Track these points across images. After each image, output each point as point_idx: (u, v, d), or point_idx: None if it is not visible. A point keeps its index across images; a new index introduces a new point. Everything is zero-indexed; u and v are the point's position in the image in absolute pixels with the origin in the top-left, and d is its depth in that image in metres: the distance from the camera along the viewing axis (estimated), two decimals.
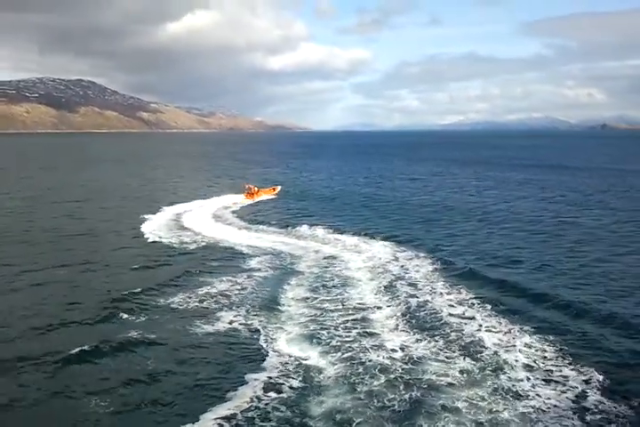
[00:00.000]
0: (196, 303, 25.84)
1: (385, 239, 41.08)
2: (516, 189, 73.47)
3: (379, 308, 25.77)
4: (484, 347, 21.33)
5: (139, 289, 27.54)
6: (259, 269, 31.97)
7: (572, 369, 19.39)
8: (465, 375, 19.10)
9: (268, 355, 19.93)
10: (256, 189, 65.95)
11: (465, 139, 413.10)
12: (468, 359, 20.29)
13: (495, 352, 20.85)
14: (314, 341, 21.42)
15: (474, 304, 26.24)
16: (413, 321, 24.08)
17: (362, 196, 67.21)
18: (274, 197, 66.88)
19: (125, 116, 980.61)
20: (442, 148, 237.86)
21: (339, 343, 21.26)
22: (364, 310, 25.45)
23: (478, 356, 20.57)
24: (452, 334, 22.64)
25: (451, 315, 24.87)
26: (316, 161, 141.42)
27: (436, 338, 22.24)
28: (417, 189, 74.94)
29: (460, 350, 21.17)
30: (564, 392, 17.98)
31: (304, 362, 19.41)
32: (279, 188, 71.08)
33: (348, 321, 23.82)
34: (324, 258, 35.54)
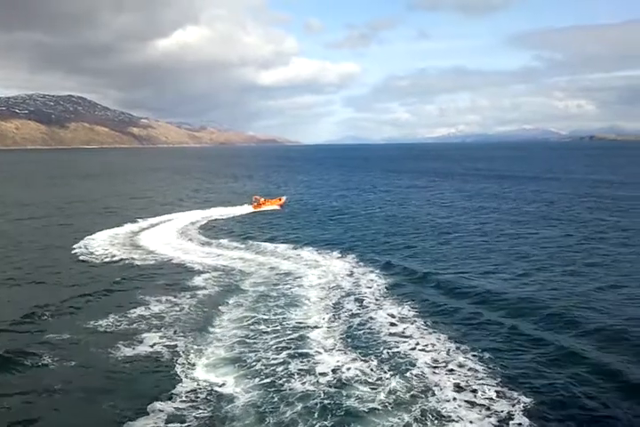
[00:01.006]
0: (126, 324, 24.77)
1: (345, 253, 40.32)
2: (485, 201, 72.82)
3: (319, 327, 24.75)
4: (417, 367, 20.44)
5: (70, 309, 26.56)
6: (203, 288, 30.89)
7: (501, 391, 18.46)
8: (391, 399, 18.18)
9: (181, 381, 18.82)
10: (263, 199, 68.82)
11: (452, 151, 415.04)
12: (398, 381, 19.35)
13: (427, 373, 19.99)
14: (236, 365, 20.34)
15: (416, 321, 25.43)
16: (351, 341, 23.12)
17: (331, 209, 66.46)
18: (277, 207, 68.43)
19: (116, 131, 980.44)
20: (426, 160, 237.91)
21: (263, 367, 20.20)
22: (302, 329, 24.43)
23: (409, 377, 19.68)
24: (388, 353, 21.75)
25: (391, 334, 23.97)
26: (297, 175, 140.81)
27: (371, 358, 21.30)
28: (387, 201, 74.36)
29: (391, 370, 20.25)
30: (489, 416, 17.04)
31: (217, 389, 18.33)
32: (284, 198, 72.92)
33: (281, 342, 22.78)
34: (277, 275, 34.49)
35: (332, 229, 51.39)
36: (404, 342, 22.99)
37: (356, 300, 28.70)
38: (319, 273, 34.78)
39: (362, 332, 24.06)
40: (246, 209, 66.53)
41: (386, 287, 31.08)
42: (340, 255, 39.85)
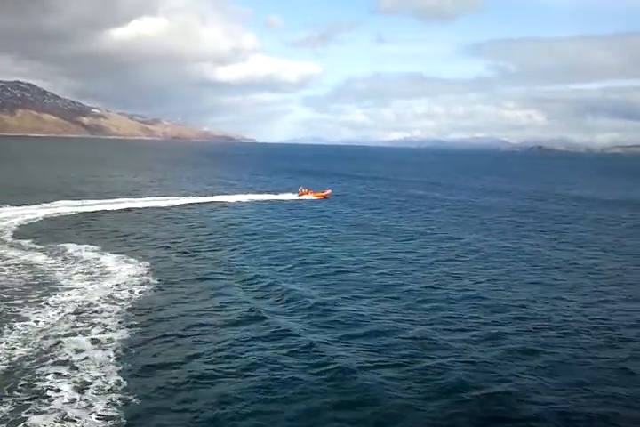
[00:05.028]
0: None
1: (148, 258, 36.66)
2: (370, 207, 70.20)
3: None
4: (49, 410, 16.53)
5: None
6: None
7: None
8: None
9: None
10: (306, 190, 76.18)
11: (389, 155, 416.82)
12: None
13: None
14: None
15: (109, 348, 21.46)
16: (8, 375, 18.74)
17: (190, 209, 62.00)
18: (317, 198, 73.89)
19: (65, 120, 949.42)
20: (354, 163, 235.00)
21: None
22: None
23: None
24: (51, 389, 17.83)
25: (60, 363, 19.97)
26: (208, 170, 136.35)
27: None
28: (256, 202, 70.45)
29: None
30: None
31: None
32: (329, 191, 78.11)
33: None
34: (37, 285, 29.74)
35: (168, 230, 47.86)
36: (67, 376, 18.88)
37: (84, 319, 24.52)
38: (91, 285, 30.39)
39: (32, 364, 19.75)
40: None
41: (134, 302, 27.29)
42: (141, 261, 35.98)
